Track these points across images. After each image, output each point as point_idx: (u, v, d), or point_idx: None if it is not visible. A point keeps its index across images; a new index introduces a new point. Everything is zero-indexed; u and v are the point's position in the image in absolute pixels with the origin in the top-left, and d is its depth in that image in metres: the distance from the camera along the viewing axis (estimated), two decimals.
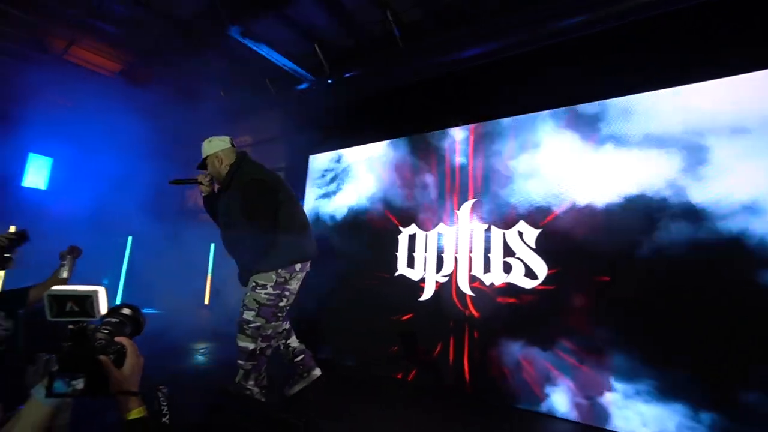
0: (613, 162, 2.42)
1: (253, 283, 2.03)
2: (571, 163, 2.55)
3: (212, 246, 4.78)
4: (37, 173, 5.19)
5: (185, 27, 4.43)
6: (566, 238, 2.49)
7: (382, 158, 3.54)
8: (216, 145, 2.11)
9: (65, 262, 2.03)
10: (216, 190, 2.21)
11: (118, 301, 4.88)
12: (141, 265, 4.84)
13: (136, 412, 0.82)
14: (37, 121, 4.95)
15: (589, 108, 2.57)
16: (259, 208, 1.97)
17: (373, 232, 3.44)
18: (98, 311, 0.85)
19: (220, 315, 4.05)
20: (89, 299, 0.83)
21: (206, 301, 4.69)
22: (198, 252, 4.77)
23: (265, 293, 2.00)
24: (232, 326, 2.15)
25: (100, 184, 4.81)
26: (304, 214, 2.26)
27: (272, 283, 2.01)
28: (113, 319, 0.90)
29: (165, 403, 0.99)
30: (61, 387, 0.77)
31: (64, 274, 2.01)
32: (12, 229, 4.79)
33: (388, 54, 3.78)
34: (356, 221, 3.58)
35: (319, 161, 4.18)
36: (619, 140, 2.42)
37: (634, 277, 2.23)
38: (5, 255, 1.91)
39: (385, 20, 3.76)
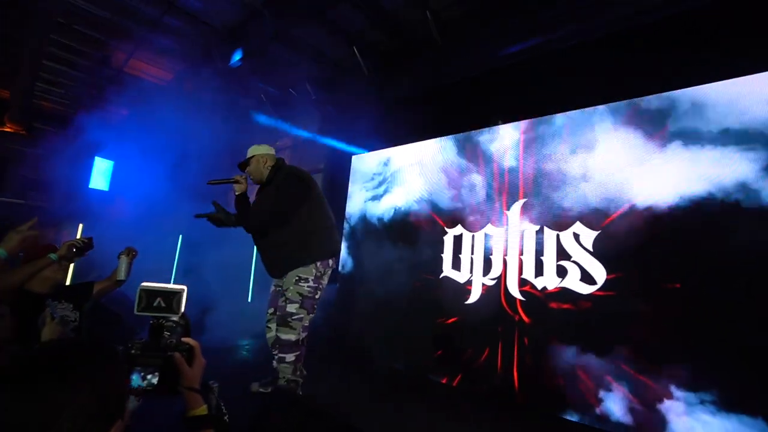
0: (680, 161, 2.21)
1: (296, 277, 2.16)
2: (633, 162, 2.37)
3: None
4: (100, 176, 5.65)
5: (231, 35, 4.64)
6: (628, 241, 2.31)
7: (427, 158, 3.49)
8: (263, 148, 2.35)
9: (122, 263, 2.14)
10: (246, 189, 2.38)
11: None
12: (188, 264, 5.09)
13: (201, 410, 0.84)
14: (100, 127, 5.39)
15: (653, 101, 2.38)
16: (294, 196, 2.15)
17: (417, 233, 3.39)
18: (181, 309, 0.87)
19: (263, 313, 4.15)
20: (177, 296, 0.86)
21: (249, 299, 4.85)
22: (241, 251, 4.94)
23: (308, 286, 2.15)
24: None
25: (154, 185, 5.12)
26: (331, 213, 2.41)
27: (312, 276, 2.17)
28: (169, 323, 0.91)
29: (221, 402, 0.99)
30: (138, 380, 0.78)
31: (122, 275, 2.13)
32: (80, 227, 5.19)
33: (429, 53, 3.73)
34: (401, 222, 3.55)
35: (362, 162, 4.20)
36: (688, 137, 2.22)
37: (706, 285, 2.02)
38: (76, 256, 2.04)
39: (425, 19, 3.73)
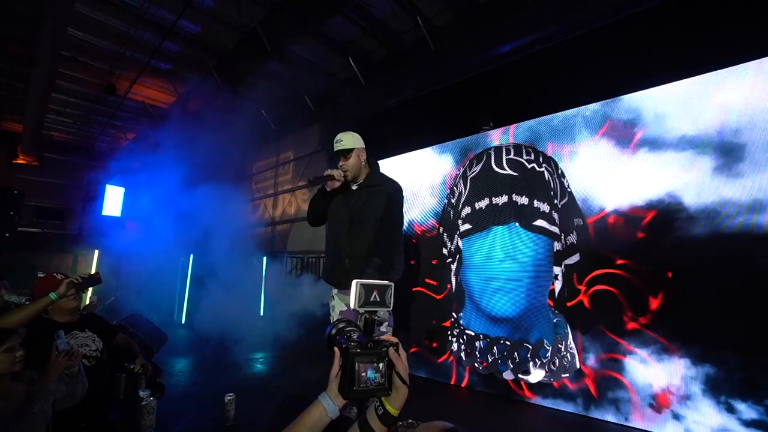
0: (647, 164, 2.26)
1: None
2: (607, 165, 2.40)
3: (264, 259, 5.02)
4: (112, 202, 5.81)
5: (230, 56, 4.77)
6: (602, 242, 2.36)
7: (427, 167, 3.50)
8: (360, 141, 2.04)
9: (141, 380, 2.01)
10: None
11: (183, 315, 5.23)
12: (200, 281, 5.20)
13: (395, 410, 0.77)
14: (110, 154, 5.57)
15: (625, 109, 2.39)
16: (402, 216, 2.08)
17: (421, 241, 3.42)
18: (391, 302, 0.87)
19: (275, 326, 4.22)
20: (389, 289, 0.87)
21: (261, 313, 4.92)
22: (252, 266, 5.03)
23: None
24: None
25: (164, 207, 5.25)
26: None
27: None
28: (378, 318, 0.87)
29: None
30: (373, 375, 0.76)
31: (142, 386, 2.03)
32: (96, 253, 5.33)
33: (421, 59, 3.80)
34: (405, 232, 3.59)
35: None
36: (654, 143, 2.25)
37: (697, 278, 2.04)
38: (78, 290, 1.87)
39: (417, 26, 3.80)
